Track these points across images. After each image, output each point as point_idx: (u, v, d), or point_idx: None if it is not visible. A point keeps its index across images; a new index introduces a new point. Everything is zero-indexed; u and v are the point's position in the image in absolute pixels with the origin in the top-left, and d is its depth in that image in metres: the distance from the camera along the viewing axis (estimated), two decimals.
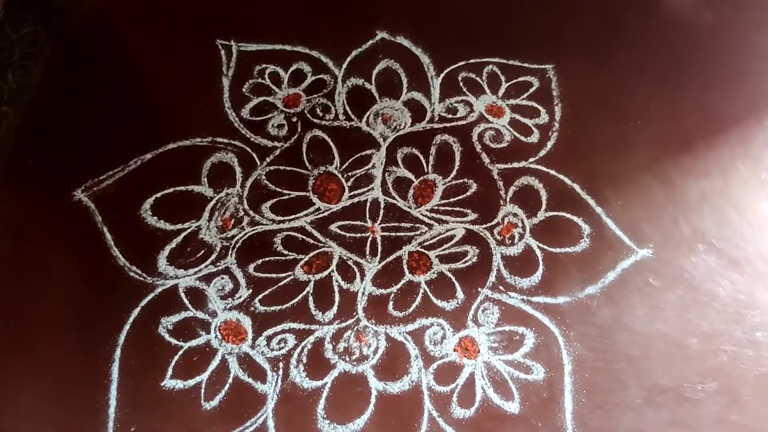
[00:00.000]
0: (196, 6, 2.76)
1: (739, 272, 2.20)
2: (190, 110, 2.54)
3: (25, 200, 2.33)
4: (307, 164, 2.40)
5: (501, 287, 2.18)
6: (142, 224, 2.27)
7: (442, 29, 2.74)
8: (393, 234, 2.27)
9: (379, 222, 2.29)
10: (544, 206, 2.32)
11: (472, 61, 2.65)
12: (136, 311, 2.11)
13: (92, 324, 2.10)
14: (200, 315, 2.11)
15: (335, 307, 2.13)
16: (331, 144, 2.45)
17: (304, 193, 2.34)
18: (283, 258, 2.21)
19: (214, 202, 2.31)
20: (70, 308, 2.12)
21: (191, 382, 2.00)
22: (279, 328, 2.10)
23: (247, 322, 2.10)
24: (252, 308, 2.13)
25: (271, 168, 2.39)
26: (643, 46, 2.72)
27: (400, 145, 2.45)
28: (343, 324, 2.11)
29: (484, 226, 2.29)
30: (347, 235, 2.26)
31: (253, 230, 2.26)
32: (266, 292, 2.15)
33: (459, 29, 2.76)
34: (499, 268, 2.21)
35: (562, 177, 2.38)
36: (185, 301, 2.14)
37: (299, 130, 2.48)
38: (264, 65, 2.63)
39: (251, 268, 2.19)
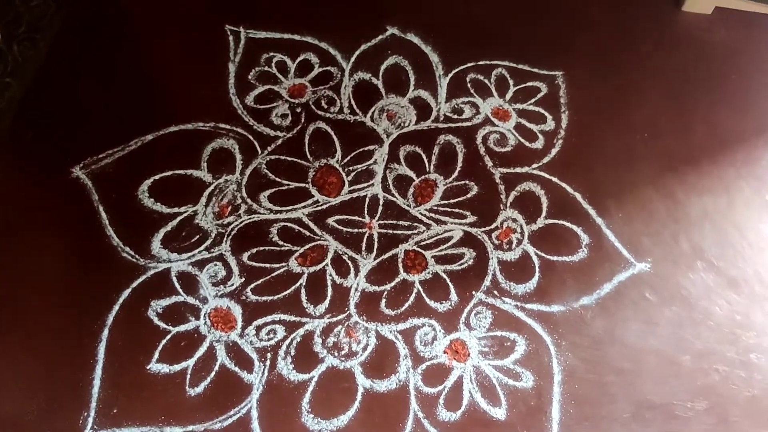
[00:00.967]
0: None
1: (736, 292, 2.18)
2: (194, 94, 2.52)
3: (22, 174, 2.31)
4: (309, 156, 2.38)
5: (495, 292, 2.16)
6: (138, 205, 2.25)
7: (453, 29, 2.73)
8: (390, 231, 2.25)
9: (377, 218, 2.27)
10: (544, 213, 2.30)
11: (481, 62, 2.64)
12: (126, 292, 2.09)
13: (81, 303, 2.08)
14: (191, 300, 2.09)
15: (327, 301, 2.11)
16: (334, 137, 2.43)
17: (303, 185, 2.32)
18: (278, 249, 2.20)
19: (212, 187, 2.29)
20: (60, 285, 2.11)
21: (177, 368, 1.98)
22: (269, 318, 2.08)
23: (237, 311, 2.08)
24: (243, 297, 2.11)
25: (272, 157, 2.37)
26: (654, 59, 2.70)
27: (403, 143, 2.43)
28: (334, 319, 2.09)
29: (483, 229, 2.27)
30: (344, 229, 2.24)
31: (249, 219, 2.24)
32: (259, 282, 2.13)
33: (470, 30, 2.74)
34: (495, 273, 2.19)
35: (564, 185, 2.36)
36: (176, 285, 2.12)
37: (303, 121, 2.46)
38: (271, 53, 2.61)
39: (245, 256, 2.17)
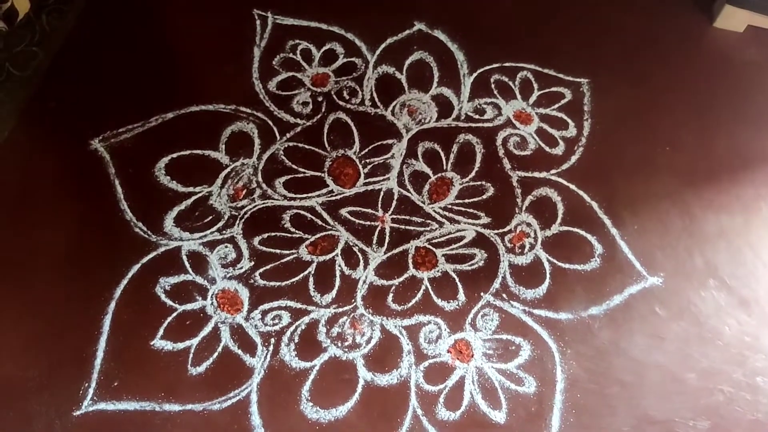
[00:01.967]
0: None
1: (747, 313, 2.15)
2: (217, 76, 2.53)
3: (41, 143, 2.33)
4: (327, 145, 2.38)
5: (504, 295, 2.14)
6: (154, 182, 2.26)
7: (481, 28, 2.71)
8: (402, 227, 2.24)
9: (390, 213, 2.26)
10: (559, 220, 2.28)
11: (506, 64, 2.62)
12: (135, 267, 2.10)
13: (90, 274, 2.09)
14: (199, 280, 2.10)
15: (334, 292, 2.11)
16: (353, 128, 2.42)
17: (319, 174, 2.32)
18: (290, 235, 2.19)
19: (228, 170, 2.30)
20: (71, 256, 2.12)
21: (180, 345, 1.99)
22: (276, 304, 2.08)
23: (245, 294, 2.08)
24: (252, 281, 2.11)
25: (290, 144, 2.37)
26: (681, 73, 2.67)
27: (422, 139, 2.42)
28: (340, 309, 2.08)
29: (496, 231, 2.25)
30: (356, 221, 2.24)
31: (263, 203, 2.24)
32: (268, 267, 2.13)
33: (498, 31, 2.73)
34: (505, 276, 2.17)
35: (581, 193, 2.34)
36: (186, 264, 2.12)
37: (323, 110, 2.45)
38: (297, 41, 2.61)
39: (256, 240, 2.18)
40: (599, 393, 2.00)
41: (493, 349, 2.05)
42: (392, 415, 1.93)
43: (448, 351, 2.05)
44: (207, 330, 2.02)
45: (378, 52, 2.61)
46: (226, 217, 2.21)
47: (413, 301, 2.12)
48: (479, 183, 2.34)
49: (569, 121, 2.51)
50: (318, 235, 2.21)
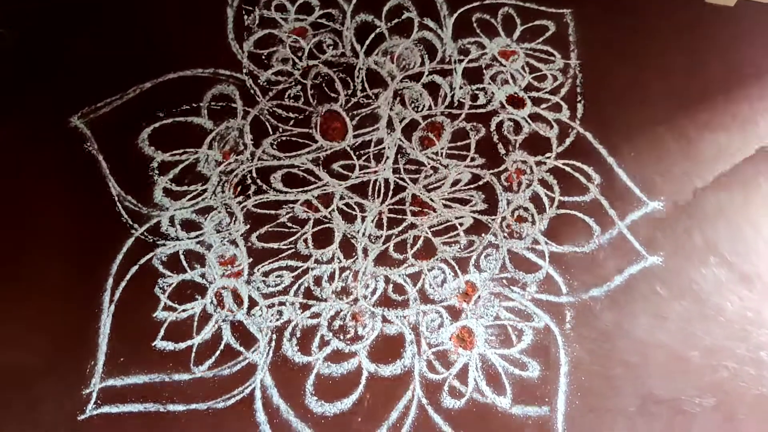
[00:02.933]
0: None
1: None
2: (192, 40, 2.45)
3: (20, 124, 2.26)
4: (311, 101, 2.32)
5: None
6: (139, 154, 2.21)
7: None
8: (396, 176, 2.20)
9: (383, 163, 2.22)
10: (554, 154, 2.25)
11: (487, 1, 2.55)
12: (130, 241, 2.06)
13: (84, 252, 2.05)
14: (195, 248, 2.06)
15: (334, 246, 2.08)
16: (337, 81, 2.36)
17: (306, 130, 2.27)
18: (283, 195, 2.15)
19: (213, 134, 2.24)
20: (63, 235, 2.08)
21: (183, 315, 1.96)
22: (276, 264, 2.04)
23: (243, 257, 2.05)
24: (248, 243, 2.07)
25: (274, 102, 2.31)
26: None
27: (408, 86, 2.36)
28: (341, 264, 2.05)
29: (491, 171, 2.21)
30: (350, 174, 2.20)
31: (253, 165, 2.19)
32: (263, 229, 2.10)
33: None
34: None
35: (573, 124, 2.30)
36: (180, 233, 2.08)
37: (304, 65, 2.39)
38: None
39: (249, 203, 2.13)
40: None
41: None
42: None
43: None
44: (207, 299, 2.00)
45: (354, 0, 2.53)
46: (216, 182, 2.17)
47: (415, 248, 2.09)
48: (471, 124, 2.29)
49: (555, 53, 2.45)
50: (312, 192, 2.16)
